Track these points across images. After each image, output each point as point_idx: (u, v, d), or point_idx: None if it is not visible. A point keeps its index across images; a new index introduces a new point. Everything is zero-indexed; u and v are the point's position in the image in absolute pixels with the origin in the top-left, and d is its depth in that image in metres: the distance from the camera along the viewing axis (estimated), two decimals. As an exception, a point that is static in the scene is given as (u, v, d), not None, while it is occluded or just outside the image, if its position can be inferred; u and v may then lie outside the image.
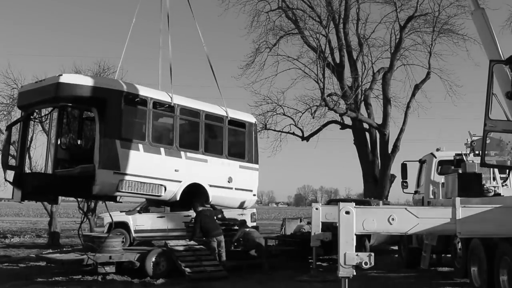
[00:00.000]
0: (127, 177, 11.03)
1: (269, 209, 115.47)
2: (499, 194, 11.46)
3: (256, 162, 14.11)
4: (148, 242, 18.30)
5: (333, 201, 20.46)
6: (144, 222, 18.52)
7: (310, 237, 12.56)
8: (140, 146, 11.41)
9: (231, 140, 13.70)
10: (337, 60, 25.95)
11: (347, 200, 17.76)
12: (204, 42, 13.76)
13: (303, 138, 25.83)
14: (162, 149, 11.84)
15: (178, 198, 12.10)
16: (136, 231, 18.42)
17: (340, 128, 25.99)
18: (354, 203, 7.32)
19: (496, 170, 12.59)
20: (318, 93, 23.94)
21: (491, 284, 9.04)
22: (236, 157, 13.62)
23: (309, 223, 15.16)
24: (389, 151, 24.72)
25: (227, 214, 18.58)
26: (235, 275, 12.57)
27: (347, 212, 7.09)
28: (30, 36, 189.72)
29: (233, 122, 13.62)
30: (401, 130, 24.70)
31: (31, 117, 12.49)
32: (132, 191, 11.24)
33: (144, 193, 11.49)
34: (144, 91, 11.86)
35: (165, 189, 11.77)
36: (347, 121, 25.75)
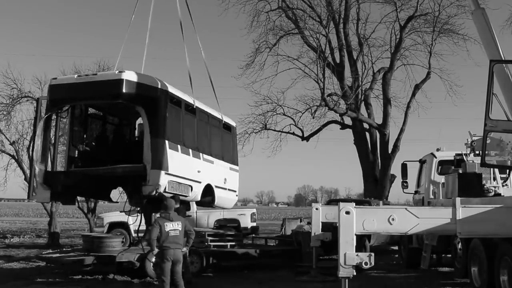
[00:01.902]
0: (172, 178, 11.01)
1: (269, 209, 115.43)
2: (499, 194, 11.46)
3: (237, 164, 14.54)
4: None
5: (333, 201, 20.43)
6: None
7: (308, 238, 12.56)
8: (179, 147, 11.40)
9: (223, 143, 13.94)
10: (337, 60, 25.92)
11: (347, 200, 17.74)
12: (202, 48, 13.76)
13: (303, 138, 25.81)
14: (190, 151, 11.91)
15: (199, 199, 12.23)
16: (136, 231, 18.41)
17: (340, 128, 25.97)
18: (354, 203, 7.32)
19: (496, 170, 12.58)
20: (318, 93, 23.93)
21: (491, 284, 9.03)
22: (227, 159, 13.91)
23: (309, 223, 15.14)
24: (389, 151, 24.70)
25: (227, 214, 18.66)
26: (236, 275, 12.58)
27: (347, 212, 7.09)
28: (30, 36, 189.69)
29: (225, 125, 13.94)
30: (401, 130, 24.68)
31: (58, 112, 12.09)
32: (173, 192, 11.19)
33: (179, 193, 11.46)
34: (178, 93, 11.83)
35: (191, 190, 11.83)
36: (347, 121, 25.74)
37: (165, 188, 10.81)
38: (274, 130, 25.83)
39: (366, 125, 25.48)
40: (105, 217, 18.80)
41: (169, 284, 9.08)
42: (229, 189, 13.77)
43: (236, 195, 14.34)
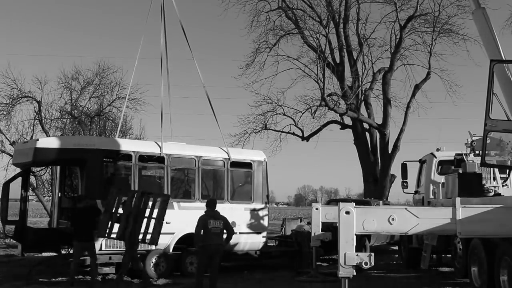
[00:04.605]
0: (110, 235, 11.07)
1: (269, 209, 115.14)
2: (499, 194, 11.48)
3: (263, 202, 14.04)
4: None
5: (333, 201, 20.44)
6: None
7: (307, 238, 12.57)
8: None
9: (232, 183, 13.40)
10: (337, 60, 25.93)
11: (347, 200, 17.75)
12: (204, 83, 13.85)
13: (303, 138, 25.80)
14: (150, 203, 11.77)
15: (171, 250, 12.06)
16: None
17: (340, 128, 25.97)
18: (354, 203, 7.30)
19: (496, 170, 12.58)
20: (318, 93, 23.95)
21: (491, 284, 9.03)
22: (240, 200, 13.48)
23: (309, 223, 15.15)
24: (389, 151, 24.70)
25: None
26: (236, 275, 12.57)
27: (347, 212, 7.07)
28: (30, 35, 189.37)
29: (237, 163, 13.36)
30: (401, 130, 24.68)
31: (30, 172, 12.80)
32: (117, 249, 11.34)
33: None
34: (128, 145, 11.95)
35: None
36: (347, 121, 25.74)
37: (100, 247, 11.12)
38: (274, 130, 25.84)
39: (366, 125, 25.49)
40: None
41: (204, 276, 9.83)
42: (242, 233, 13.15)
43: (263, 237, 13.67)
